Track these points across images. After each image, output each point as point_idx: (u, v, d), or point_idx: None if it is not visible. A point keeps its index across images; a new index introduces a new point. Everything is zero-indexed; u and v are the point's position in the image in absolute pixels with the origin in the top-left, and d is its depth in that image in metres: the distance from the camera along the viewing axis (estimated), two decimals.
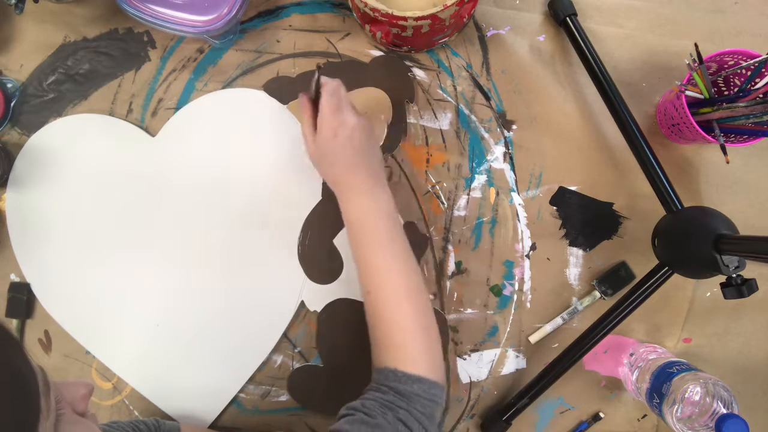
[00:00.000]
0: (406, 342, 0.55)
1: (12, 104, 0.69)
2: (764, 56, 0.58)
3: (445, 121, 0.70)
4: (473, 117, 0.70)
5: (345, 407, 0.53)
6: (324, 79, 0.59)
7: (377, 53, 0.70)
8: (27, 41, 0.70)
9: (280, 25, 0.70)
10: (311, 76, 0.60)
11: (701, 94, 0.63)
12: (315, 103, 0.60)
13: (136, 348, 0.68)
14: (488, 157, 0.70)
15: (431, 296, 0.69)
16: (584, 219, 0.69)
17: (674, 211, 0.61)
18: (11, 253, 0.69)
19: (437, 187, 0.69)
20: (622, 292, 0.66)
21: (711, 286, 0.69)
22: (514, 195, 0.69)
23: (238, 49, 0.70)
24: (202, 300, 0.68)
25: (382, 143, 0.69)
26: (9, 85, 0.70)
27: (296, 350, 0.69)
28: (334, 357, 0.68)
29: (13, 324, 0.68)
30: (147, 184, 0.69)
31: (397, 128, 0.69)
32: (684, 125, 0.61)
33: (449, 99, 0.70)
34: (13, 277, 0.69)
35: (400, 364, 0.54)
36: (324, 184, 0.69)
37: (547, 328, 0.69)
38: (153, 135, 0.69)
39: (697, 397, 0.56)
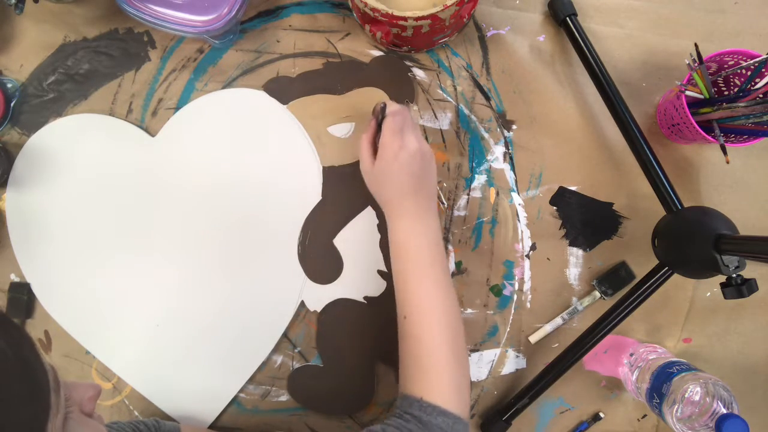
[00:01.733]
0: (436, 372, 0.54)
1: (12, 104, 0.69)
2: (764, 56, 0.58)
3: (445, 121, 0.70)
4: (473, 117, 0.70)
5: (366, 429, 0.53)
6: (390, 103, 0.60)
7: (377, 53, 0.70)
8: (27, 41, 0.70)
9: (280, 25, 0.70)
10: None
11: (701, 94, 0.63)
12: (378, 124, 0.61)
13: (136, 348, 0.68)
14: (488, 157, 0.70)
15: None
16: (584, 219, 0.69)
17: (674, 211, 0.61)
18: (11, 253, 0.69)
19: (437, 187, 0.69)
20: (622, 292, 0.66)
21: (711, 286, 0.69)
22: (514, 195, 0.69)
23: (238, 49, 0.70)
24: (202, 300, 0.68)
25: None
26: (9, 85, 0.70)
27: (296, 350, 0.69)
28: (334, 357, 0.68)
29: None
30: (147, 184, 0.69)
31: None
32: (684, 125, 0.61)
33: (449, 99, 0.70)
34: (13, 277, 0.69)
35: (426, 394, 0.53)
36: (324, 184, 0.69)
37: (547, 328, 0.69)
38: (153, 135, 0.69)
39: (697, 397, 0.56)
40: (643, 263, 0.68)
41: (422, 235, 0.58)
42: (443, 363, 0.55)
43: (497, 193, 0.70)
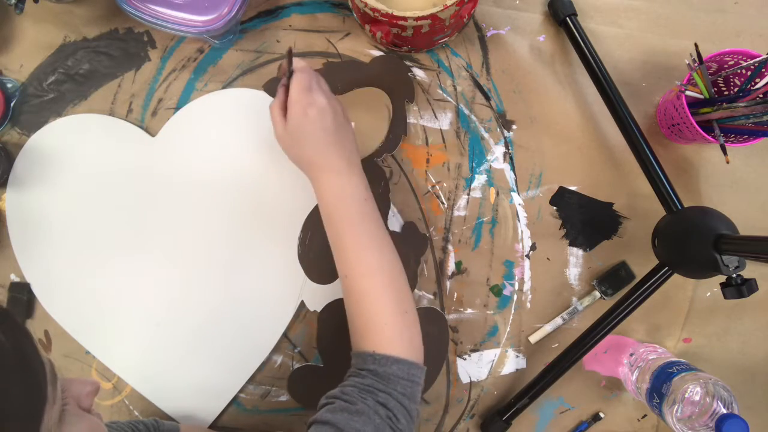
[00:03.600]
0: (382, 323, 0.55)
1: (12, 104, 0.69)
2: (764, 56, 0.58)
3: (445, 121, 0.70)
4: (473, 117, 0.70)
5: (325, 396, 0.53)
6: (296, 60, 0.58)
7: (377, 53, 0.70)
8: (27, 41, 0.70)
9: (280, 25, 0.70)
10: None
11: (701, 94, 0.63)
12: (287, 88, 0.59)
13: (136, 348, 0.68)
14: (488, 157, 0.70)
15: (431, 296, 0.69)
16: (584, 219, 0.69)
17: (674, 211, 0.61)
18: (11, 253, 0.69)
19: (437, 187, 0.69)
20: (622, 292, 0.66)
21: (711, 286, 0.69)
22: (514, 195, 0.69)
23: (238, 49, 0.70)
24: (202, 300, 0.68)
25: (381, 143, 0.69)
26: (9, 85, 0.69)
27: (296, 350, 0.69)
28: (334, 357, 0.68)
29: None
30: (147, 184, 0.69)
31: (397, 128, 0.69)
32: (684, 125, 0.61)
33: (449, 99, 0.70)
34: (13, 277, 0.69)
35: (378, 347, 0.54)
36: None
37: (547, 328, 0.69)
38: (153, 135, 0.69)
39: (697, 397, 0.56)
40: (643, 263, 0.68)
41: (347, 190, 0.57)
42: (389, 313, 0.55)
43: (497, 193, 0.70)
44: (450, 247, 0.69)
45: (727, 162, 0.59)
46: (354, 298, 0.57)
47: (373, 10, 0.59)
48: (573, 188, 0.69)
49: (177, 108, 0.69)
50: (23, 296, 0.68)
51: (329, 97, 0.58)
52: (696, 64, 0.60)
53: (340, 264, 0.58)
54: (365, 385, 0.52)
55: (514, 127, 0.70)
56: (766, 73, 0.60)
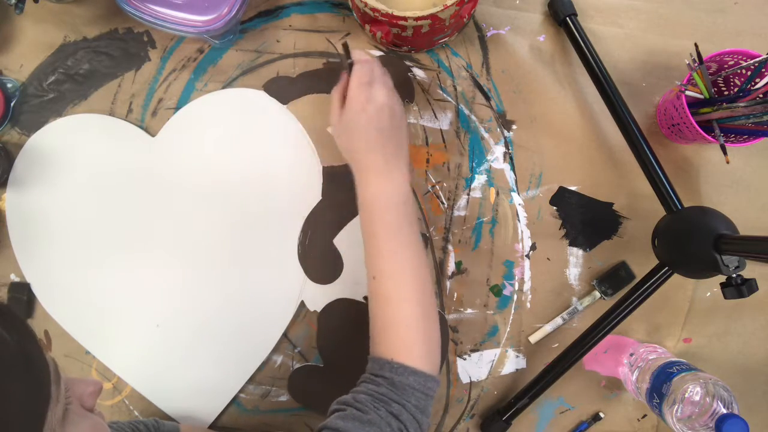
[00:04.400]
0: (405, 332, 0.54)
1: (12, 104, 0.69)
2: (764, 56, 0.58)
3: (445, 121, 0.70)
4: (473, 117, 0.70)
5: (336, 402, 0.52)
6: (355, 52, 0.57)
7: (377, 53, 0.70)
8: (27, 41, 0.70)
9: (280, 25, 0.70)
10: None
11: (701, 94, 0.63)
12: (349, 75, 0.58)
13: (136, 348, 0.68)
14: (488, 157, 0.70)
15: None
16: (584, 219, 0.69)
17: (674, 211, 0.61)
18: (11, 253, 0.69)
19: (437, 187, 0.69)
20: (622, 292, 0.66)
21: (711, 286, 0.69)
22: (514, 195, 0.69)
23: (238, 49, 0.70)
24: (202, 300, 0.68)
25: None
26: (9, 85, 0.69)
27: (296, 350, 0.69)
28: (334, 357, 0.68)
29: None
30: (147, 184, 0.69)
31: None
32: (684, 125, 0.61)
33: (449, 99, 0.70)
34: (13, 277, 0.69)
35: (396, 355, 0.53)
36: (324, 184, 0.69)
37: (547, 328, 0.69)
38: (153, 135, 0.69)
39: (697, 397, 0.56)
40: (643, 263, 0.68)
41: (390, 193, 0.57)
42: (413, 323, 0.54)
43: (497, 193, 0.70)
44: (450, 247, 0.69)
45: (727, 162, 0.59)
46: (379, 301, 0.56)
47: (373, 10, 0.59)
48: (573, 188, 0.69)
49: (177, 108, 0.69)
50: (23, 296, 0.68)
51: (390, 94, 0.57)
52: (696, 64, 0.60)
53: (370, 265, 0.57)
54: (379, 393, 0.51)
55: (514, 127, 0.70)
56: (766, 73, 0.60)
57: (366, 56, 0.57)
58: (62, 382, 0.37)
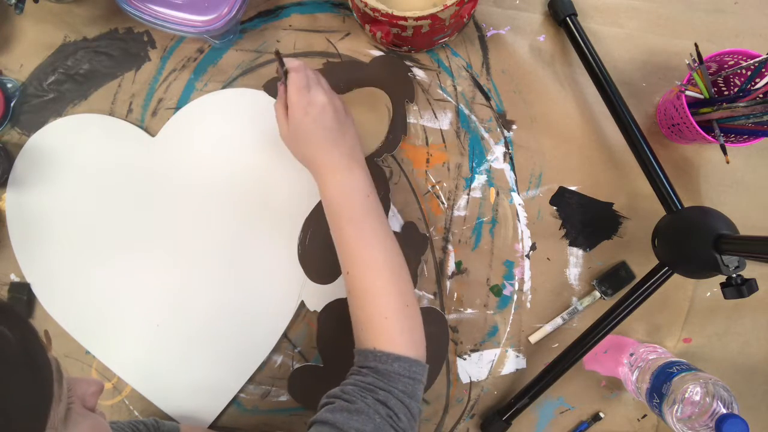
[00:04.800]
0: (385, 322, 0.54)
1: (12, 104, 0.69)
2: (764, 56, 0.58)
3: (445, 121, 0.70)
4: (473, 117, 0.70)
5: (325, 395, 0.53)
6: (287, 60, 0.58)
7: (377, 53, 0.70)
8: (27, 41, 0.70)
9: (280, 25, 0.70)
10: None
11: (701, 94, 0.63)
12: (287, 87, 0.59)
13: (136, 348, 0.68)
14: (488, 157, 0.70)
15: (431, 296, 0.69)
16: (584, 219, 0.69)
17: (674, 211, 0.61)
18: (11, 253, 0.69)
19: (437, 187, 0.69)
20: (622, 292, 0.66)
21: (711, 286, 0.69)
22: (514, 195, 0.69)
23: (238, 49, 0.70)
24: (202, 300, 0.68)
25: (381, 143, 0.69)
26: (9, 85, 0.70)
27: (296, 350, 0.69)
28: (334, 357, 0.68)
29: None
30: (147, 184, 0.69)
31: (397, 128, 0.69)
32: (684, 125, 0.61)
33: (449, 99, 0.70)
34: (13, 277, 0.69)
35: (379, 344, 0.53)
36: None
37: (547, 328, 0.69)
38: (153, 135, 0.69)
39: (697, 397, 0.56)
40: (643, 263, 0.68)
41: (350, 187, 0.58)
42: (391, 312, 0.55)
43: (497, 193, 0.70)
44: (450, 247, 0.69)
45: (727, 162, 0.59)
46: (356, 294, 0.57)
47: (373, 10, 0.59)
48: (573, 188, 0.69)
49: (177, 108, 0.69)
50: (23, 296, 0.68)
51: (329, 94, 0.58)
52: (696, 64, 0.60)
53: (342, 260, 0.58)
54: (366, 383, 0.51)
55: (514, 127, 0.70)
56: (766, 73, 0.60)
57: (297, 62, 0.58)
58: (65, 382, 0.37)
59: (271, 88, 0.69)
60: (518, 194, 0.70)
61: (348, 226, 0.57)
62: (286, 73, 0.58)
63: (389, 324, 0.54)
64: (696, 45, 0.59)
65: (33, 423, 0.33)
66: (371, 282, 0.56)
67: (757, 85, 0.60)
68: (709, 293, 0.69)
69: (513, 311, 0.69)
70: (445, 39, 0.68)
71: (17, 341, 0.33)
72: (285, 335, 0.68)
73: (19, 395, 0.32)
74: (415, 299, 0.57)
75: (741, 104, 0.59)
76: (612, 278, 0.68)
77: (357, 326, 0.57)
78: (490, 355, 0.69)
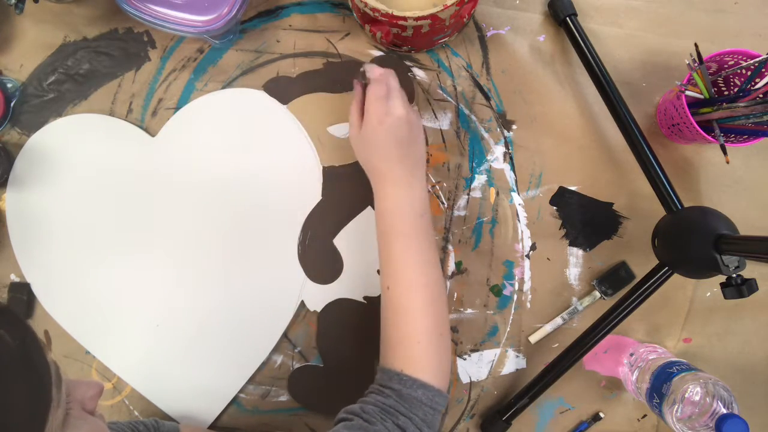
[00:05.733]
0: (416, 346, 0.54)
1: (12, 104, 0.69)
2: (764, 56, 0.58)
3: (445, 121, 0.70)
4: (473, 117, 0.70)
5: (344, 410, 0.52)
6: (370, 67, 0.59)
7: (377, 53, 0.70)
8: (27, 41, 0.70)
9: (280, 25, 0.70)
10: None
11: (701, 94, 0.63)
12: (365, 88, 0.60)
13: (136, 348, 0.68)
14: (488, 157, 0.70)
15: None
16: (584, 219, 0.69)
17: (674, 211, 0.61)
18: (11, 253, 0.69)
19: (437, 187, 0.69)
20: (622, 292, 0.66)
21: (711, 286, 0.69)
22: (514, 195, 0.69)
23: (238, 49, 0.70)
24: (202, 300, 0.68)
25: None
26: (9, 85, 0.70)
27: (296, 350, 0.69)
28: (334, 357, 0.68)
29: None
30: (147, 184, 0.69)
31: None
32: (684, 125, 0.61)
33: (449, 99, 0.70)
34: (13, 277, 0.69)
35: (406, 367, 0.53)
36: (324, 184, 0.69)
37: (547, 328, 0.69)
38: (153, 135, 0.69)
39: (697, 397, 0.56)
40: (643, 263, 0.68)
41: (407, 204, 0.57)
42: (424, 337, 0.54)
43: (497, 193, 0.70)
44: (450, 247, 0.69)
45: (727, 162, 0.59)
46: (392, 312, 0.56)
47: (373, 10, 0.59)
48: (573, 188, 0.69)
49: (177, 108, 0.69)
50: (23, 296, 0.68)
51: (407, 107, 0.58)
52: (696, 64, 0.60)
53: (384, 275, 0.58)
54: (387, 405, 0.51)
55: (514, 127, 0.70)
56: (766, 73, 0.60)
57: (381, 70, 0.58)
58: (63, 385, 0.36)
59: (271, 88, 0.69)
60: (518, 194, 0.70)
61: (397, 241, 0.57)
62: (367, 81, 0.59)
63: (420, 349, 0.54)
64: (696, 45, 0.59)
65: (31, 428, 0.32)
66: (410, 302, 0.55)
67: (757, 85, 0.60)
68: (709, 293, 0.69)
69: (513, 311, 0.69)
70: (445, 39, 0.68)
71: (16, 345, 0.33)
72: (285, 335, 0.68)
73: (17, 401, 0.32)
74: (449, 329, 0.57)
75: (741, 104, 0.59)
76: (612, 278, 0.68)
77: (386, 344, 0.57)
78: (490, 355, 0.69)
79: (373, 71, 0.58)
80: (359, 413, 0.50)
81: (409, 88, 0.70)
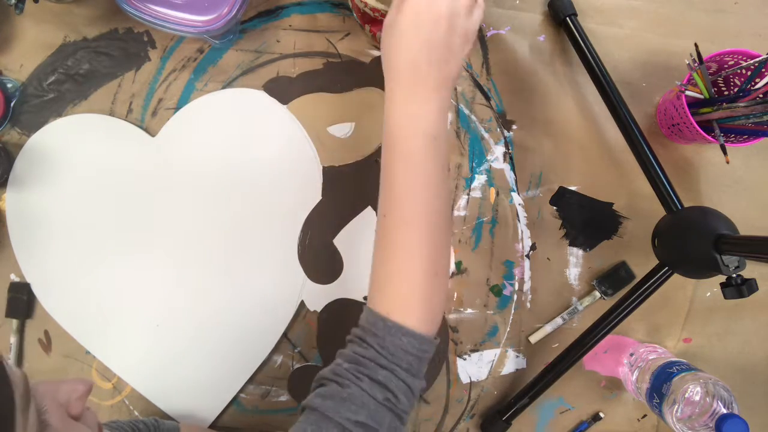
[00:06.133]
0: (407, 288, 0.48)
1: (12, 104, 0.69)
2: (764, 56, 0.58)
3: None
4: (473, 117, 0.70)
5: (317, 377, 0.48)
6: None
7: (377, 53, 0.70)
8: (27, 41, 0.70)
9: (280, 25, 0.70)
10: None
11: (701, 94, 0.63)
12: None
13: (136, 348, 0.68)
14: (488, 157, 0.70)
15: None
16: (584, 219, 0.69)
17: (674, 211, 0.61)
18: (11, 253, 0.69)
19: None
20: (622, 292, 0.66)
21: (711, 286, 0.69)
22: (514, 195, 0.69)
23: (238, 49, 0.70)
24: (202, 300, 0.68)
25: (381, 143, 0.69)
26: (9, 85, 0.69)
27: (296, 350, 0.69)
28: (334, 357, 0.68)
29: (13, 324, 0.68)
30: (147, 185, 0.69)
31: None
32: (684, 125, 0.61)
33: None
34: (13, 277, 0.69)
35: (392, 312, 0.47)
36: (324, 184, 0.69)
37: (547, 328, 0.69)
38: (153, 135, 0.69)
39: (697, 397, 0.56)
40: (643, 263, 0.68)
41: (419, 120, 0.49)
42: (417, 279, 0.48)
43: (497, 193, 0.70)
44: (450, 247, 0.69)
45: (727, 162, 0.59)
46: (383, 245, 0.50)
47: (373, 10, 0.59)
48: (573, 188, 0.69)
49: (177, 108, 0.69)
50: (23, 296, 0.68)
51: (457, 5, 0.48)
52: (696, 64, 0.60)
53: (381, 201, 0.50)
54: (365, 358, 0.46)
55: (514, 127, 0.70)
56: (766, 73, 0.60)
57: None
58: (32, 404, 0.33)
59: (271, 88, 0.69)
60: (518, 194, 0.70)
61: (399, 163, 0.49)
62: None
63: (410, 293, 0.48)
64: (696, 45, 0.59)
65: None
66: (406, 235, 0.48)
67: (757, 85, 0.60)
68: (709, 293, 0.69)
69: (513, 311, 0.69)
70: None
71: None
72: (285, 335, 0.68)
73: None
74: (448, 268, 0.51)
75: (741, 104, 0.59)
76: (612, 278, 0.68)
77: (375, 282, 0.50)
78: (490, 355, 0.69)
79: None
80: (332, 378, 0.46)
81: None
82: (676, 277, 0.61)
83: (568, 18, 0.67)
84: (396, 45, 0.49)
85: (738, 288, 0.52)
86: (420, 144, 0.49)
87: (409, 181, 0.49)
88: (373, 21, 0.62)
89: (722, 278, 0.53)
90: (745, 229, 0.55)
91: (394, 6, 0.50)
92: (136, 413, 0.69)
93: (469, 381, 0.69)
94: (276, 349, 0.68)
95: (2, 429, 0.30)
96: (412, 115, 0.49)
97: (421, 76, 0.49)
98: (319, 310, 0.69)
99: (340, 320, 0.68)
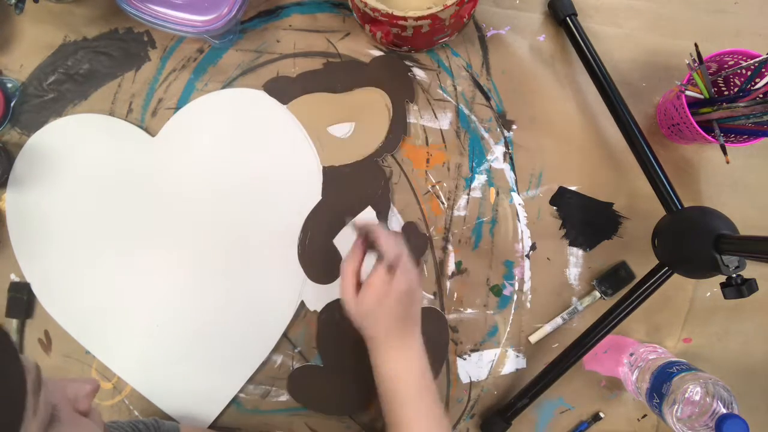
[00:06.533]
0: None
1: (12, 104, 0.69)
2: (764, 56, 0.58)
3: (445, 121, 0.70)
4: (473, 117, 0.70)
5: None
6: (382, 234, 0.56)
7: (377, 53, 0.70)
8: (27, 41, 0.70)
9: (280, 25, 0.70)
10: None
11: (701, 94, 0.63)
12: (363, 249, 0.58)
13: (136, 348, 0.68)
14: (488, 157, 0.70)
15: (431, 296, 0.69)
16: (584, 219, 0.69)
17: (674, 211, 0.61)
18: (11, 253, 0.69)
19: (437, 187, 0.69)
20: (622, 292, 0.66)
21: (711, 286, 0.69)
22: (514, 195, 0.69)
23: (238, 49, 0.70)
24: (202, 300, 0.68)
25: (381, 143, 0.69)
26: (9, 85, 0.69)
27: (296, 350, 0.69)
28: (334, 357, 0.68)
29: (13, 324, 0.68)
30: (147, 184, 0.69)
31: (398, 128, 0.69)
32: (684, 125, 0.61)
33: (449, 99, 0.70)
34: (13, 277, 0.69)
35: None
36: (324, 184, 0.69)
37: (547, 328, 0.69)
38: (153, 135, 0.69)
39: (697, 397, 0.56)
40: (643, 263, 0.68)
41: (408, 368, 0.57)
42: None
43: (497, 193, 0.70)
44: (450, 247, 0.69)
45: (727, 162, 0.59)
46: None
47: (373, 10, 0.59)
48: (573, 188, 0.69)
49: (177, 108, 0.69)
50: (23, 296, 0.68)
51: (410, 277, 0.56)
52: (696, 64, 0.60)
53: None
54: None
55: (514, 127, 0.70)
56: (766, 73, 0.60)
57: (392, 242, 0.56)
58: (43, 391, 0.34)
59: (271, 88, 0.69)
60: (518, 194, 0.70)
61: (403, 409, 0.56)
62: (367, 238, 0.57)
63: None
64: (696, 45, 0.59)
65: None
66: None
67: (757, 85, 0.60)
68: (709, 293, 0.69)
69: (513, 311, 0.69)
70: (445, 39, 0.68)
71: None
72: (285, 335, 0.68)
73: None
74: None
75: (741, 104, 0.59)
76: (612, 278, 0.68)
77: None
78: (490, 355, 0.69)
79: (386, 244, 0.56)
80: None
81: (409, 88, 0.70)
82: (676, 277, 0.61)
83: (568, 18, 0.67)
84: (369, 322, 0.57)
85: (738, 288, 0.52)
86: (412, 383, 0.56)
87: (414, 420, 0.55)
88: (373, 21, 0.62)
89: (722, 278, 0.53)
90: (745, 229, 0.55)
91: (348, 287, 0.57)
92: (136, 413, 0.69)
93: (469, 381, 0.69)
94: (276, 349, 0.68)
95: (13, 405, 0.31)
96: (401, 362, 0.57)
97: (396, 334, 0.57)
98: (319, 310, 0.69)
99: (340, 320, 0.68)
